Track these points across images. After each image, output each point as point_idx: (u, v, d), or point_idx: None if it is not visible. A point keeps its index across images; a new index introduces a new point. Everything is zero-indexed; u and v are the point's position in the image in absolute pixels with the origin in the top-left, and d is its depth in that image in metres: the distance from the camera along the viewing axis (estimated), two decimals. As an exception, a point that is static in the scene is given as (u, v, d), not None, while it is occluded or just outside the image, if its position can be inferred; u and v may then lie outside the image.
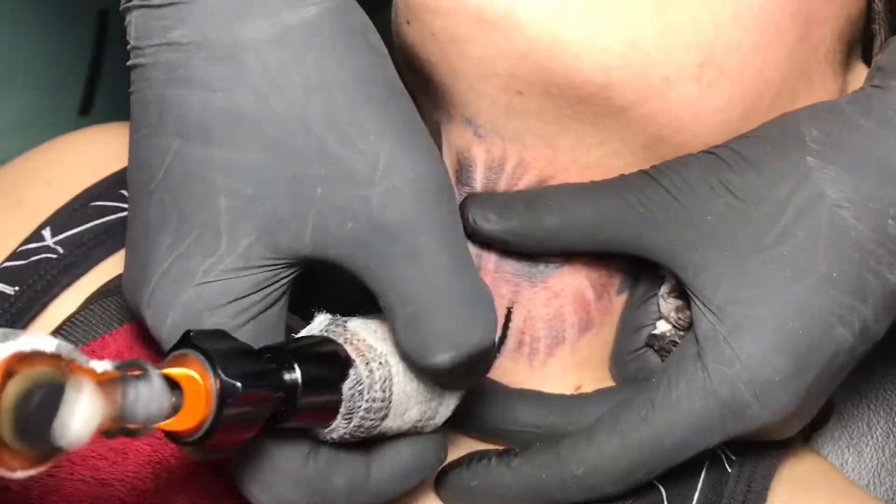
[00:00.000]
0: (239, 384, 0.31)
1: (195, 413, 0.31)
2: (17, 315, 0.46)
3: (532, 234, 0.42)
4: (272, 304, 0.38)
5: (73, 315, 0.45)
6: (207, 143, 0.35)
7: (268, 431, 0.35)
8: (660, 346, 0.44)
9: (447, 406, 0.40)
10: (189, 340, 0.32)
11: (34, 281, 0.46)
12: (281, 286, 0.37)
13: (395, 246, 0.35)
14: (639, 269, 0.45)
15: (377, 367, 0.37)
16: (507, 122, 0.42)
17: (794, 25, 0.43)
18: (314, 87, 0.35)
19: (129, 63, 0.37)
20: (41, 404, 0.27)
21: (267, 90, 0.35)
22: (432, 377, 0.38)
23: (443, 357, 0.36)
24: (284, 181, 0.35)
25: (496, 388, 0.44)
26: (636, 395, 0.41)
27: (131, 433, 0.30)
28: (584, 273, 0.45)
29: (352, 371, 0.36)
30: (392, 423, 0.38)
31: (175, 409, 0.31)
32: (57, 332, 0.45)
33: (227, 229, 0.36)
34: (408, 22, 0.42)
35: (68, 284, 0.47)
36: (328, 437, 0.37)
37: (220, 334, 0.34)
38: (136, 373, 0.29)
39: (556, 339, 0.45)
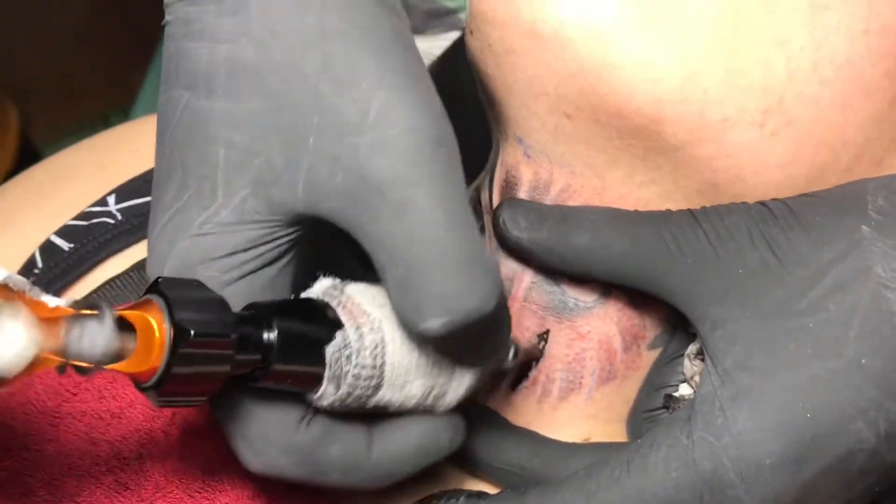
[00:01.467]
0: (192, 331, 0.31)
1: (149, 358, 0.31)
2: (66, 270, 0.48)
3: (558, 249, 0.40)
4: (268, 264, 0.37)
5: (113, 278, 0.47)
6: (211, 95, 0.36)
7: (246, 389, 0.35)
8: (674, 408, 0.41)
9: (460, 384, 0.38)
10: (156, 286, 0.32)
11: (88, 241, 0.48)
12: (278, 246, 0.36)
13: (383, 199, 0.34)
14: (676, 325, 0.42)
15: (368, 332, 0.35)
16: (556, 145, 0.41)
17: (887, 85, 0.38)
18: (313, 36, 0.35)
19: (162, 22, 0.38)
20: None
21: (268, 39, 0.35)
22: (433, 345, 0.36)
23: (434, 322, 0.33)
24: (279, 131, 0.35)
25: (496, 421, 0.42)
26: (615, 454, 0.38)
27: (82, 371, 0.30)
28: (615, 319, 0.42)
29: (338, 334, 0.35)
30: (391, 396, 0.37)
31: (126, 351, 0.31)
32: (96, 293, 0.47)
33: (224, 182, 0.36)
34: (471, 32, 0.41)
35: (119, 250, 0.48)
36: (319, 405, 0.36)
37: (192, 284, 0.34)
38: (90, 312, 0.30)
39: (572, 383, 0.42)
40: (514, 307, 0.43)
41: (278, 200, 0.35)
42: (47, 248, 0.48)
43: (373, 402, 0.36)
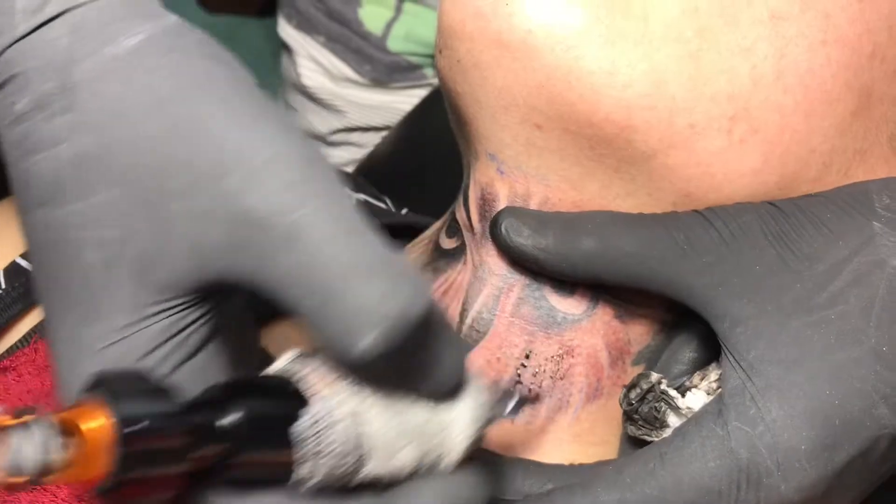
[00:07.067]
0: (145, 423, 0.29)
1: (99, 460, 0.28)
2: (30, 290, 0.47)
3: (566, 254, 0.40)
4: (195, 353, 0.34)
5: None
6: (63, 201, 0.33)
7: (218, 483, 0.32)
8: (647, 400, 0.40)
9: (457, 441, 0.35)
10: (97, 382, 0.30)
11: None
12: (195, 330, 0.33)
13: (270, 233, 0.31)
14: (661, 342, 0.42)
15: (337, 405, 0.32)
16: (529, 158, 0.41)
17: (847, 95, 0.40)
18: (149, 106, 0.33)
19: None
20: None
21: (106, 123, 0.33)
22: (376, 377, 0.33)
23: (369, 338, 0.30)
24: (143, 211, 0.32)
25: (492, 457, 0.41)
26: (645, 451, 0.38)
27: (14, 488, 0.27)
28: (601, 333, 0.42)
29: (304, 411, 0.32)
30: (380, 469, 0.33)
31: (69, 459, 0.28)
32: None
33: (104, 284, 0.33)
34: (440, 51, 0.42)
35: None
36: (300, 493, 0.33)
37: (135, 375, 0.31)
38: (26, 419, 0.27)
39: (560, 401, 0.42)
40: (502, 323, 0.42)
41: (166, 282, 0.32)
42: (12, 269, 0.47)
43: (359, 478, 0.33)
